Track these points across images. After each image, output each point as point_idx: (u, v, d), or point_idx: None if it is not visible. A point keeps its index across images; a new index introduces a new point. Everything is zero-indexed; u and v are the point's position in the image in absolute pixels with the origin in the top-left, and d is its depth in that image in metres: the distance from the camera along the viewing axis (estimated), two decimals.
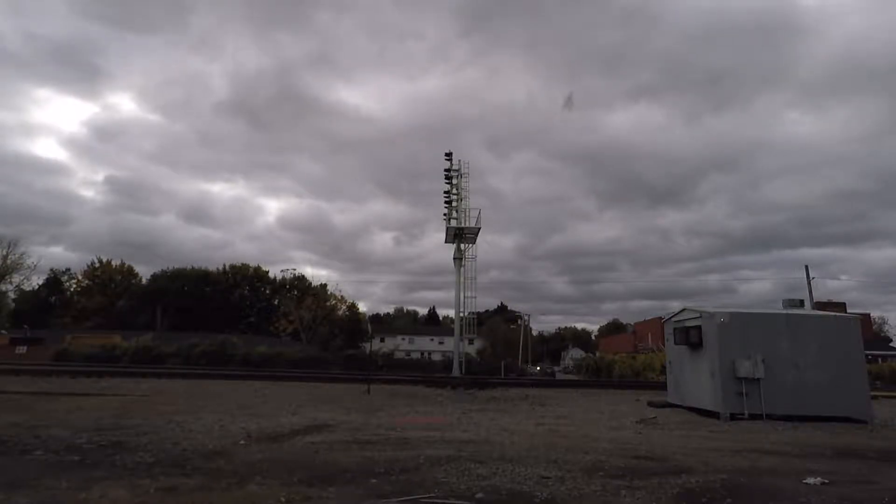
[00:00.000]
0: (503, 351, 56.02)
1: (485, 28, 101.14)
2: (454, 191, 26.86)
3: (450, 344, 34.84)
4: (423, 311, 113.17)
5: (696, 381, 12.00)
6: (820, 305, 38.15)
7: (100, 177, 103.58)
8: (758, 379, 10.93)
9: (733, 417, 10.75)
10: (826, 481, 5.28)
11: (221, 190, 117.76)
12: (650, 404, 13.15)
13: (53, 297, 68.69)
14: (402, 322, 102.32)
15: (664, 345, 14.93)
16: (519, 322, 71.71)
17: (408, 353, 50.58)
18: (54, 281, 69.48)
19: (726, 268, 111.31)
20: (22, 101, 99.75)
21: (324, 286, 66.12)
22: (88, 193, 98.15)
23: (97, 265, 71.01)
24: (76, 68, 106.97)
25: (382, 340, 59.82)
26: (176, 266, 71.30)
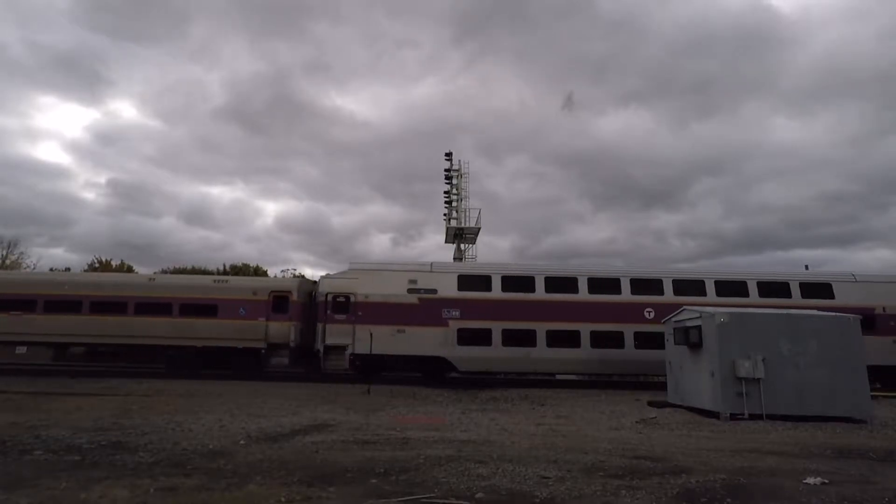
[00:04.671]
0: None
1: (477, 37, 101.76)
2: (454, 191, 26.83)
3: None
4: None
5: (696, 381, 12.00)
6: None
7: (102, 180, 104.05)
8: (758, 379, 10.93)
9: (733, 417, 10.75)
10: (826, 481, 5.28)
11: (221, 193, 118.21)
12: (650, 404, 13.14)
13: None
14: None
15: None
16: None
17: None
18: None
19: (722, 268, 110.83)
20: (26, 107, 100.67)
21: None
22: (90, 196, 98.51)
23: (96, 265, 70.99)
24: (79, 76, 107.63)
25: None
26: (176, 267, 71.32)
